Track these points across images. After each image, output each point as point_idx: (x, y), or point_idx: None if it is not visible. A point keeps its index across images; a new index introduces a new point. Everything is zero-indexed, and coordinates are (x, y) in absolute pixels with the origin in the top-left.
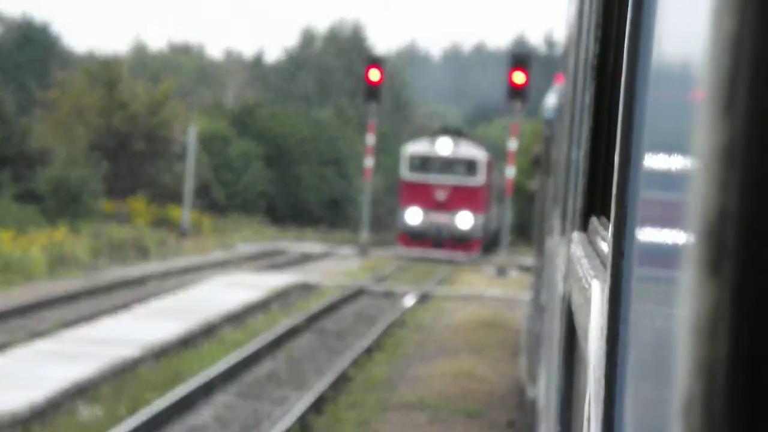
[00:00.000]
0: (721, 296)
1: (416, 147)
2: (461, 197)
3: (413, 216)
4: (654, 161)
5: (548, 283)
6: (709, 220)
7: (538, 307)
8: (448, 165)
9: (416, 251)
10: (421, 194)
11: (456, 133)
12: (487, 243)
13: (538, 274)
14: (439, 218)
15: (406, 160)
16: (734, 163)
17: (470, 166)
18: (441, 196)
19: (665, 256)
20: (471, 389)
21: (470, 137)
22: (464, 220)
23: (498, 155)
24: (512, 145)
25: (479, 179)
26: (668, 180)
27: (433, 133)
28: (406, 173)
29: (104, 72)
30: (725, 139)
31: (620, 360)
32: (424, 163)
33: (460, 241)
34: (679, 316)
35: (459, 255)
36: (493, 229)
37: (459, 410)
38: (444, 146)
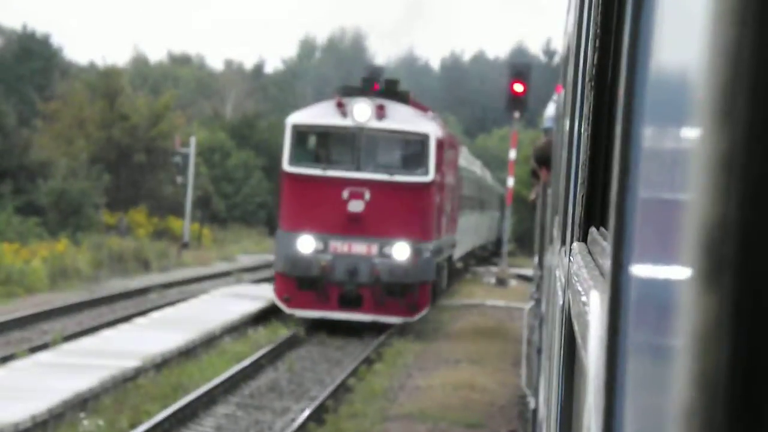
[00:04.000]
0: (721, 307)
1: (308, 115)
2: (393, 209)
3: (302, 247)
4: (653, 171)
5: (548, 293)
6: (708, 230)
7: (539, 317)
8: (368, 148)
9: (310, 312)
10: (317, 205)
11: (386, 91)
12: (441, 287)
13: (538, 284)
14: (352, 249)
15: (290, 139)
16: (733, 173)
17: (410, 149)
18: (355, 207)
19: (665, 266)
20: (471, 399)
21: (412, 98)
22: (399, 251)
23: (498, 165)
24: (511, 154)
25: (426, 173)
26: (668, 190)
27: (342, 90)
28: (290, 165)
29: (105, 83)
30: (724, 148)
31: (619, 371)
32: (322, 144)
33: (392, 292)
34: (678, 327)
35: (391, 318)
36: (456, 260)
37: (459, 421)
38: (360, 112)
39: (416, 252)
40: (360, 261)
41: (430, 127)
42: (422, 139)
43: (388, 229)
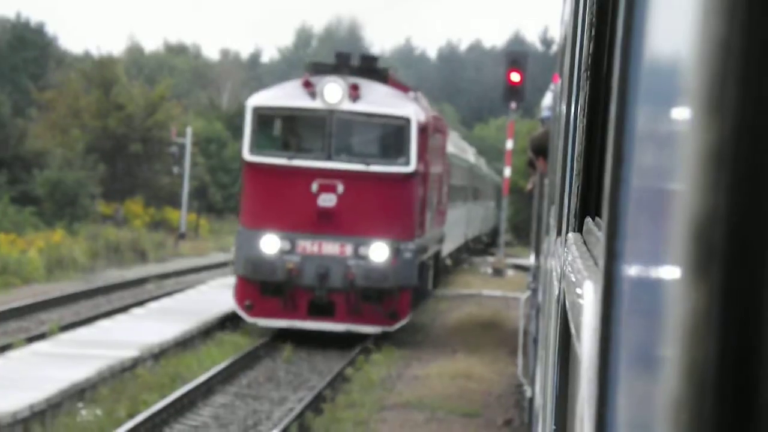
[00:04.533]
0: (709, 298)
1: (271, 96)
2: (370, 204)
3: (266, 247)
4: (647, 162)
5: (544, 284)
6: (698, 221)
7: (535, 307)
8: (340, 134)
9: (275, 321)
10: (282, 199)
11: (361, 69)
12: (426, 290)
13: (535, 274)
14: (323, 250)
15: (251, 124)
16: (723, 164)
17: (388, 134)
18: (326, 201)
19: (657, 257)
20: (468, 389)
21: (392, 76)
22: (376, 252)
23: (495, 156)
24: (508, 144)
25: (407, 163)
26: (661, 181)
27: (312, 68)
28: (251, 154)
29: (100, 73)
30: (714, 139)
31: (612, 361)
32: (288, 130)
33: (368, 297)
34: (668, 317)
35: (367, 327)
36: (445, 256)
37: (456, 410)
38: (331, 93)
39: (396, 252)
40: (332, 263)
41: (410, 109)
42: (402, 124)
43: (364, 227)
